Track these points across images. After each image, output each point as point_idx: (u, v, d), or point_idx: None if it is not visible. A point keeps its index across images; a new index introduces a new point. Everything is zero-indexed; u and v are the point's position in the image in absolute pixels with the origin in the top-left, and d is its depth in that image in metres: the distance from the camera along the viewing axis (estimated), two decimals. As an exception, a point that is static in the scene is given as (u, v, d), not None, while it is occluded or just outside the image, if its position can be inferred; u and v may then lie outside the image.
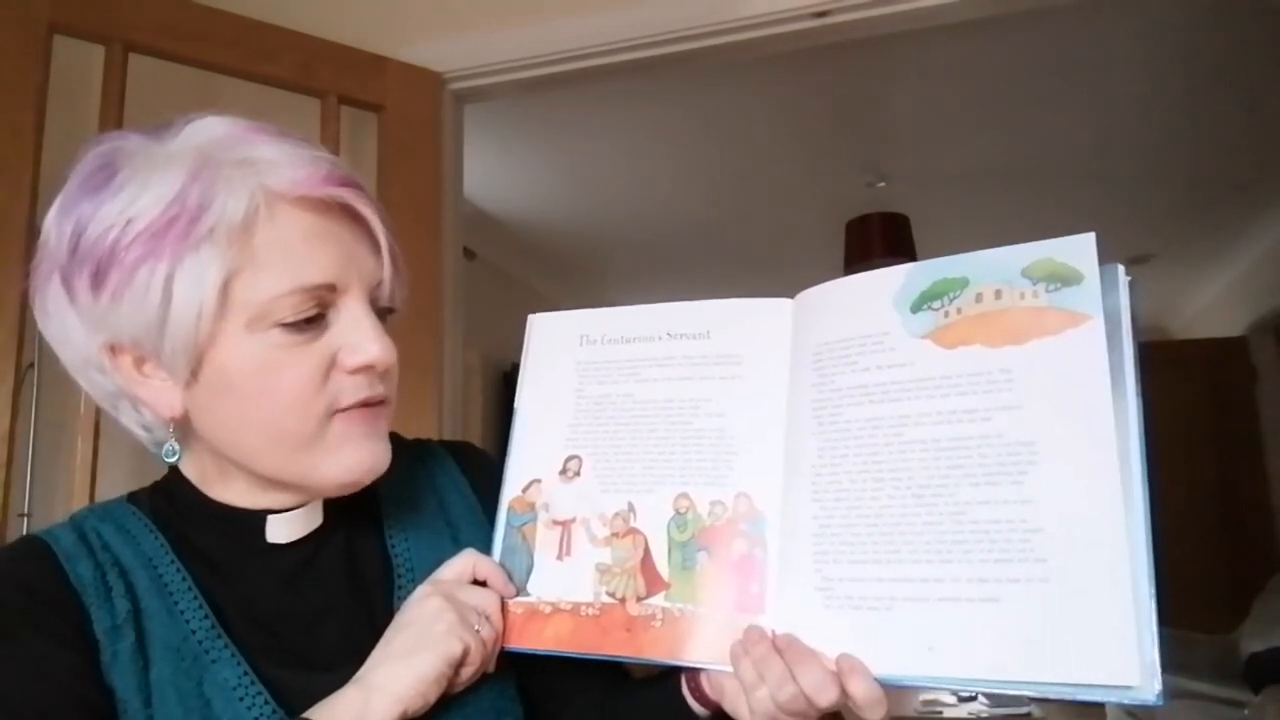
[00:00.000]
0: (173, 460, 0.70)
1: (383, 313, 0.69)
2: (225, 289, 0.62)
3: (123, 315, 0.62)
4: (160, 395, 0.66)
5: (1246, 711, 3.07)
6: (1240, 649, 3.38)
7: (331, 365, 0.65)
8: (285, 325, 0.63)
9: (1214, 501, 4.58)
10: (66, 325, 0.65)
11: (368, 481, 0.68)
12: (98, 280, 0.62)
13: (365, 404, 0.67)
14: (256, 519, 0.70)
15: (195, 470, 0.71)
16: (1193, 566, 4.24)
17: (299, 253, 0.63)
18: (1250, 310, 4.73)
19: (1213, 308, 5.34)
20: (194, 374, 0.64)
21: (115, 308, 0.62)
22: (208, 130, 0.65)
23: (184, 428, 0.68)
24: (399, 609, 0.68)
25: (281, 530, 0.70)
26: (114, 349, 0.65)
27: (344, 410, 0.66)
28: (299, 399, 0.64)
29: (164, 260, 0.61)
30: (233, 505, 0.70)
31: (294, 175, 0.63)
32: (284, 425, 0.64)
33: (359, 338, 0.65)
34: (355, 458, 0.67)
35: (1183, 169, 3.63)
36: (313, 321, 0.64)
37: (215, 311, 0.62)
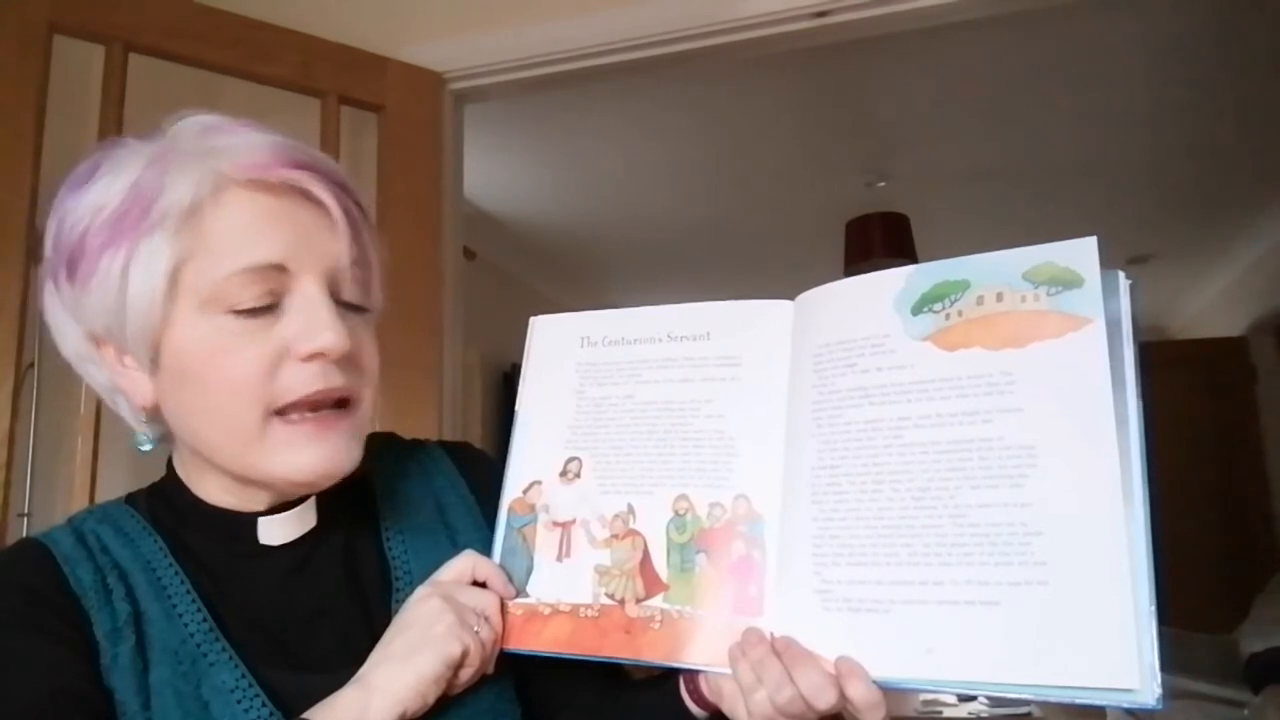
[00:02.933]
0: (146, 449, 0.70)
1: (351, 308, 0.68)
2: (175, 273, 0.63)
3: (93, 304, 0.64)
4: (136, 385, 0.67)
5: (1246, 711, 3.06)
6: (1240, 649, 3.38)
7: (283, 353, 0.64)
8: (237, 311, 0.63)
9: (1214, 501, 4.57)
10: (60, 320, 0.67)
11: (324, 483, 0.67)
12: (72, 271, 0.64)
13: (320, 401, 0.65)
14: (247, 521, 0.70)
15: (181, 466, 0.71)
16: (1193, 566, 4.24)
17: (247, 234, 0.63)
18: (1250, 310, 4.72)
19: (1213, 308, 5.34)
20: (155, 361, 0.65)
21: (87, 297, 0.64)
22: (188, 124, 0.67)
23: (159, 419, 0.69)
24: (397, 610, 0.68)
25: (273, 532, 0.70)
26: (96, 340, 0.66)
27: (289, 411, 0.64)
28: (245, 385, 0.63)
29: (122, 247, 0.62)
30: (223, 507, 0.70)
31: (247, 159, 0.64)
32: (231, 413, 0.64)
33: (311, 324, 0.64)
34: (304, 459, 0.65)
35: (1183, 169, 3.63)
36: (266, 309, 0.64)
37: (166, 296, 0.63)
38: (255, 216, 0.64)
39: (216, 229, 0.63)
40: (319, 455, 0.65)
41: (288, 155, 0.65)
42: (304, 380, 0.64)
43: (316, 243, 0.65)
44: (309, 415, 0.65)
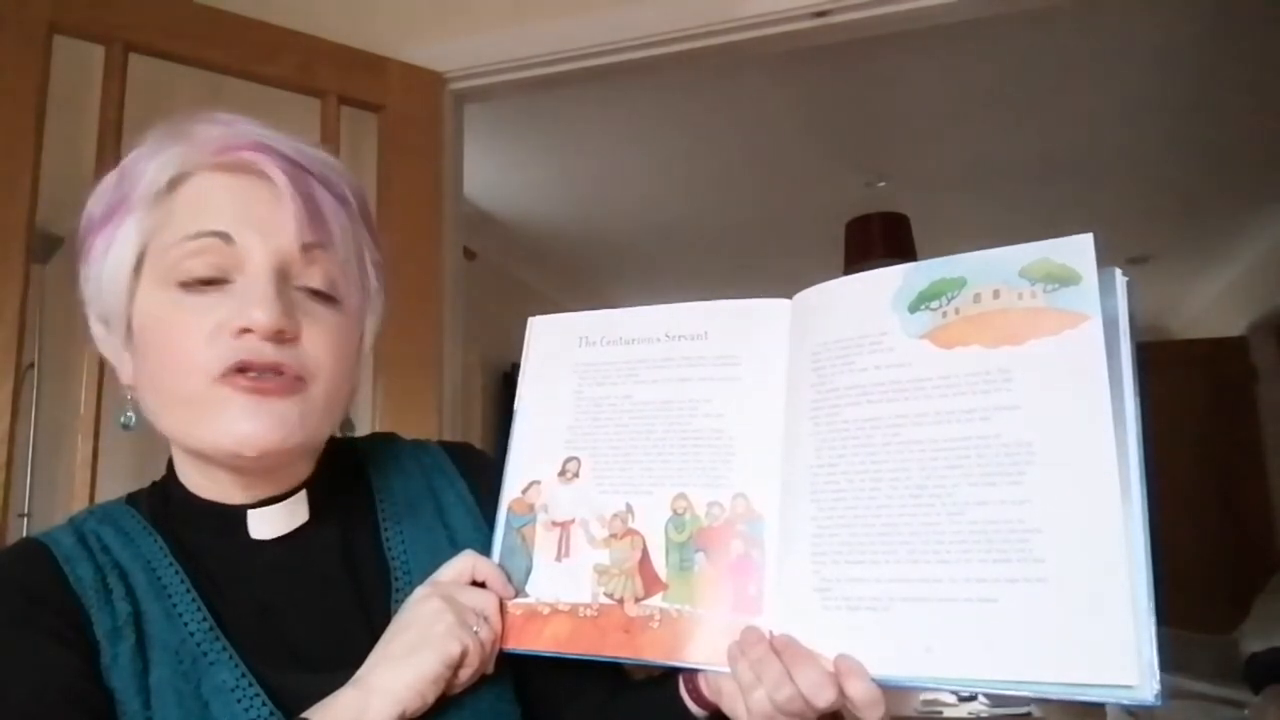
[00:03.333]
0: (126, 425, 0.72)
1: (315, 295, 0.68)
2: (142, 251, 0.66)
3: (90, 284, 0.68)
4: (122, 363, 0.70)
5: (1246, 711, 3.07)
6: (1240, 649, 3.38)
7: (222, 328, 0.64)
8: (184, 284, 0.65)
9: (1214, 501, 4.58)
10: (83, 306, 0.71)
11: (257, 455, 0.65)
12: (80, 255, 0.69)
13: (256, 369, 0.64)
14: (237, 514, 0.70)
15: (173, 459, 0.72)
16: (1193, 566, 4.24)
17: (198, 207, 0.66)
18: (1250, 310, 4.73)
19: (1213, 308, 5.34)
20: (129, 339, 0.68)
21: (87, 279, 0.68)
22: (195, 115, 0.69)
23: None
24: (396, 610, 0.68)
25: (263, 526, 0.70)
26: (103, 321, 0.69)
27: (232, 376, 0.63)
28: (185, 357, 0.64)
29: (109, 228, 0.67)
30: (213, 500, 0.70)
31: (215, 144, 0.66)
32: (174, 384, 0.65)
33: (246, 300, 0.64)
34: (236, 426, 0.63)
35: (1183, 169, 3.63)
36: (212, 283, 0.65)
37: (133, 272, 0.66)
38: (210, 192, 0.66)
39: (178, 206, 0.66)
40: (253, 425, 0.64)
41: (253, 139, 0.67)
42: (231, 351, 0.63)
43: (267, 220, 0.66)
44: (249, 383, 0.64)
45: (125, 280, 0.66)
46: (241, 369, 0.64)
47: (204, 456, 0.68)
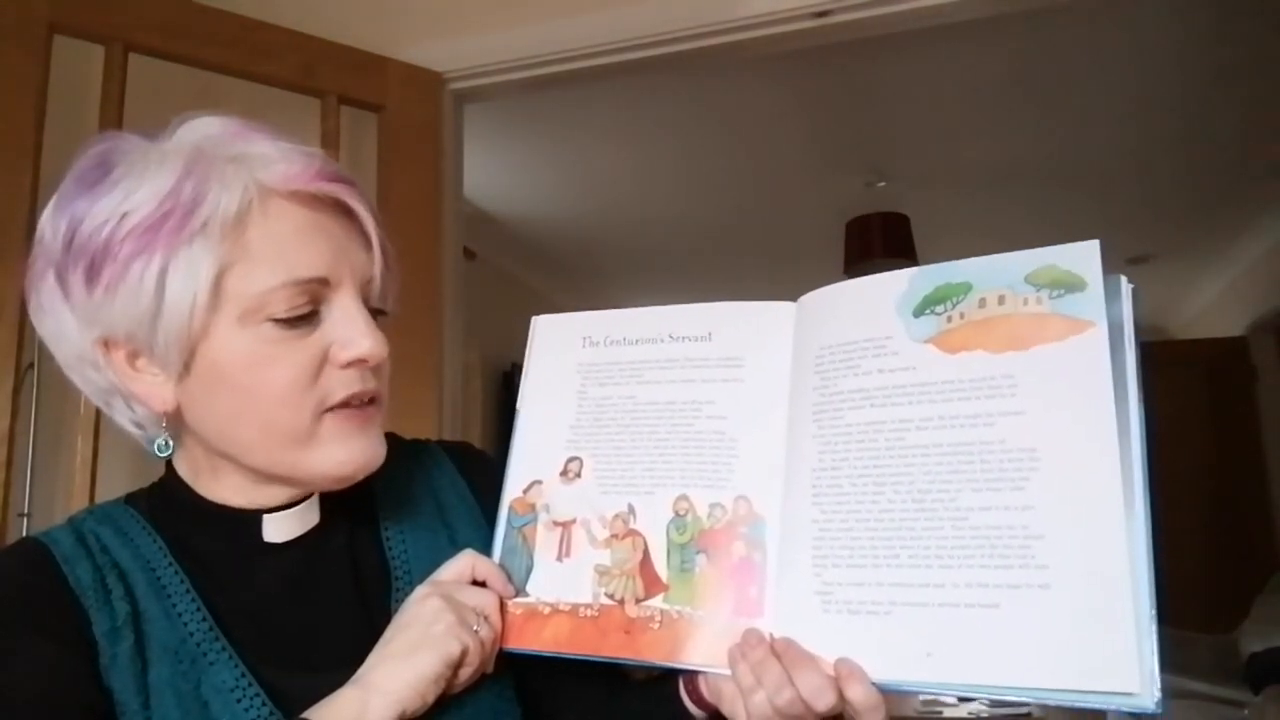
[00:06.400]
0: (165, 455, 0.70)
1: (374, 313, 0.69)
2: (218, 282, 0.62)
3: (116, 309, 0.63)
4: (153, 390, 0.66)
5: (1246, 711, 3.07)
6: (1240, 649, 3.37)
7: (324, 360, 0.65)
8: (278, 320, 0.63)
9: (1213, 501, 4.57)
10: (61, 321, 0.66)
11: (360, 477, 0.69)
12: (92, 274, 0.63)
13: (358, 400, 0.67)
14: (252, 518, 0.70)
15: (188, 467, 0.71)
16: (1193, 566, 4.23)
17: (292, 246, 0.64)
18: (1250, 310, 4.72)
19: (1213, 308, 5.34)
20: (186, 367, 0.65)
21: (109, 302, 0.63)
22: (202, 128, 0.66)
23: (176, 423, 0.68)
24: (396, 609, 0.68)
25: (278, 529, 0.70)
26: (107, 344, 0.65)
27: (335, 408, 0.66)
28: (291, 393, 0.64)
29: (158, 254, 0.61)
30: (228, 505, 0.70)
31: (287, 170, 0.64)
32: (276, 420, 0.65)
33: (351, 332, 0.65)
34: (346, 453, 0.67)
35: (1182, 169, 3.63)
36: (305, 318, 0.64)
37: (208, 304, 0.62)
38: (300, 229, 0.65)
39: (259, 239, 0.63)
40: (363, 449, 0.67)
41: (324, 168, 0.66)
42: (344, 384, 0.66)
43: (352, 255, 0.67)
44: (352, 411, 0.67)
45: (199, 312, 0.62)
46: (344, 403, 0.66)
47: (277, 476, 0.68)
